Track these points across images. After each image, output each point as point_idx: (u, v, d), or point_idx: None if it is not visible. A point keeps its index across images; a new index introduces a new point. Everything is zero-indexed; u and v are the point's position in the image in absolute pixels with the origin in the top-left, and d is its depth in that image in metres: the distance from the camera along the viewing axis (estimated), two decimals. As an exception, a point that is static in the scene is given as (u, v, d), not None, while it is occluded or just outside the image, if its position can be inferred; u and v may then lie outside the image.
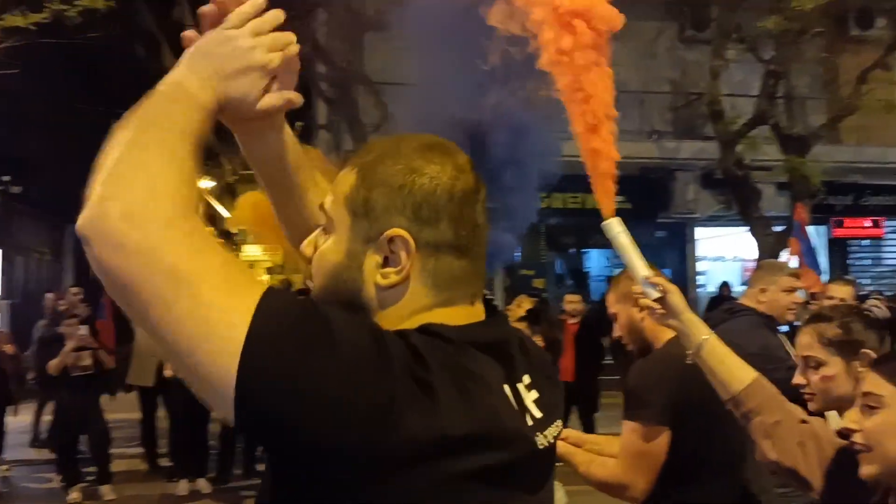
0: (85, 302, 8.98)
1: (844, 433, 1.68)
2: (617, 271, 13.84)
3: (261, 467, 8.20)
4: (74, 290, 9.22)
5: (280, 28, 1.08)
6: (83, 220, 0.88)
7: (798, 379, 2.03)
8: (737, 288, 13.32)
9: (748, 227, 11.87)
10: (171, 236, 0.87)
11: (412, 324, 0.98)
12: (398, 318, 1.00)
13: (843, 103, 12.07)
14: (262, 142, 1.19)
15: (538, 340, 3.87)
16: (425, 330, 0.96)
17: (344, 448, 0.85)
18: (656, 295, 2.06)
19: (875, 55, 11.76)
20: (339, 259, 1.03)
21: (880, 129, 14.15)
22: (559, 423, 1.11)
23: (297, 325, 0.87)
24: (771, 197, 13.06)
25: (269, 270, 32.50)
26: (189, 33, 1.07)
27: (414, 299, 1.01)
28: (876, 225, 15.57)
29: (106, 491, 7.39)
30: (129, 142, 0.92)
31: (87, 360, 7.31)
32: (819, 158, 11.80)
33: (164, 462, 8.40)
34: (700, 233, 15.24)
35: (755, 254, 12.12)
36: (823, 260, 13.93)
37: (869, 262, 16.25)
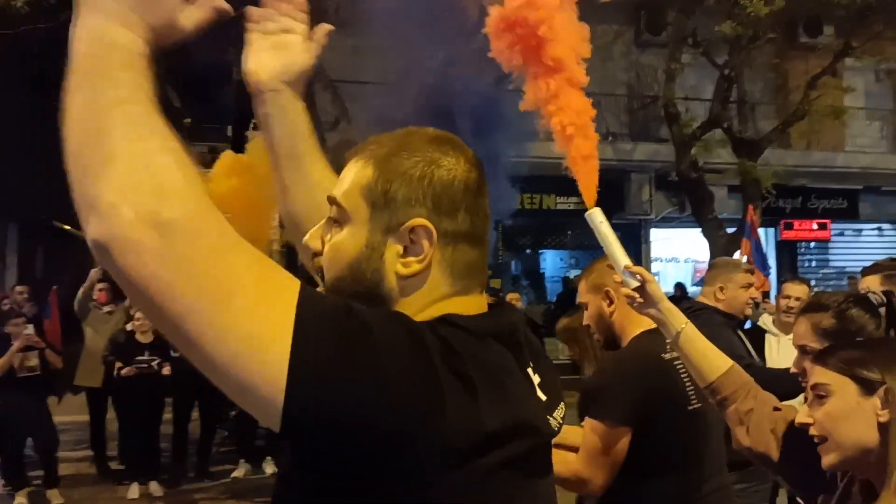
0: (30, 301, 8.75)
1: (802, 428, 1.70)
2: (573, 273, 13.99)
3: (214, 469, 8.10)
4: (20, 288, 9.01)
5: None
6: (98, 230, 0.82)
7: (795, 368, 2.05)
8: (690, 288, 13.53)
9: (701, 229, 12.08)
10: (199, 238, 0.83)
11: (431, 312, 1.00)
12: (418, 306, 1.02)
13: (793, 108, 12.36)
14: (280, 109, 1.30)
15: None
16: (447, 321, 0.97)
17: (401, 448, 0.85)
18: (635, 284, 2.11)
19: (823, 62, 12.07)
20: (357, 250, 1.03)
21: (827, 134, 14.54)
22: (562, 405, 1.15)
23: (339, 328, 0.86)
24: (722, 199, 13.32)
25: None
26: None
27: (433, 288, 1.03)
28: (823, 228, 15.98)
29: (53, 495, 7.17)
30: (109, 132, 0.85)
31: (33, 361, 7.09)
32: (769, 162, 12.07)
33: (114, 465, 8.22)
34: (654, 234, 15.46)
35: (707, 255, 12.33)
36: (772, 261, 14.24)
37: (815, 263, 16.68)
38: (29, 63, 13.61)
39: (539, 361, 1.11)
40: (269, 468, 8.13)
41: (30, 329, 7.08)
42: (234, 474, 8.02)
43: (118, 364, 7.49)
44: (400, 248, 1.02)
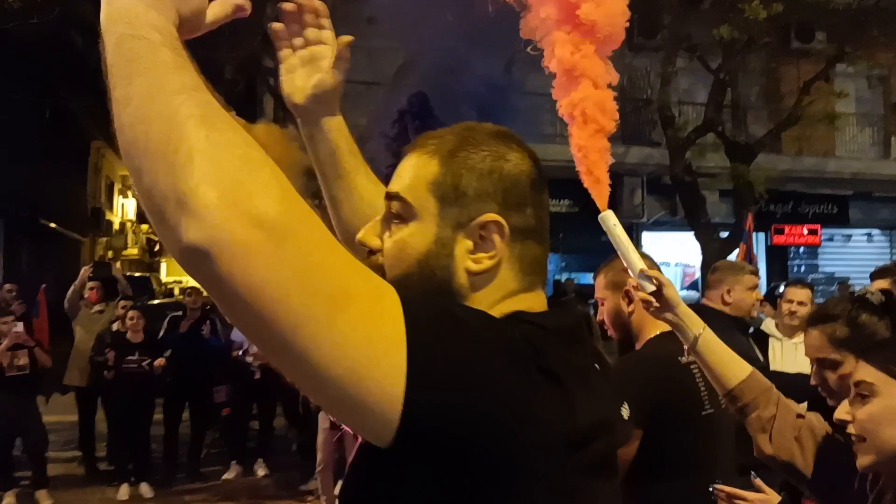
0: (19, 299, 8.64)
1: (839, 425, 1.67)
2: (564, 276, 13.96)
3: (205, 470, 8.01)
4: (8, 286, 8.90)
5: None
6: (198, 233, 0.73)
7: (815, 380, 2.02)
8: (680, 292, 13.54)
9: (694, 233, 12.09)
10: (305, 239, 0.78)
11: (501, 309, 0.98)
12: (486, 303, 1.00)
13: (785, 113, 12.41)
14: (319, 129, 1.34)
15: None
16: (521, 319, 0.95)
17: (512, 452, 0.82)
18: (652, 288, 2.06)
19: (815, 68, 12.11)
20: (426, 246, 1.01)
21: (819, 140, 14.61)
22: (626, 403, 1.12)
23: (448, 332, 0.84)
24: (714, 203, 13.35)
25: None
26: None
27: (502, 285, 1.01)
28: (813, 233, 16.05)
29: (42, 496, 7.06)
30: (185, 123, 0.77)
31: (23, 360, 6.97)
32: (760, 167, 12.10)
33: (103, 466, 8.11)
34: (646, 237, 15.48)
35: (698, 259, 12.33)
36: (762, 266, 14.29)
37: (804, 269, 16.75)
38: (19, 60, 13.49)
39: (599, 358, 1.09)
40: (261, 470, 8.05)
41: (19, 327, 6.98)
42: (226, 476, 7.94)
43: (109, 363, 7.40)
44: (470, 244, 1.00)
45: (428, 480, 0.82)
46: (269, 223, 0.75)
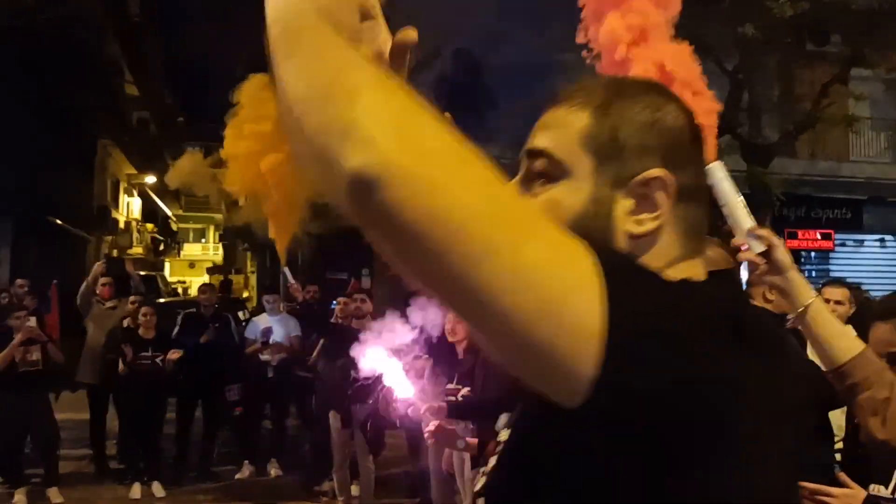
0: (31, 294, 8.55)
1: None
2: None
3: (217, 469, 7.90)
4: (20, 281, 8.83)
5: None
6: (364, 159, 0.66)
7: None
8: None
9: (710, 236, 11.98)
10: (477, 167, 0.70)
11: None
12: None
13: (802, 116, 12.30)
14: None
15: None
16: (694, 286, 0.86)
17: (720, 420, 0.72)
18: (761, 248, 1.89)
19: (830, 70, 12.00)
20: (581, 207, 0.89)
21: (833, 144, 14.50)
22: None
23: (642, 279, 0.76)
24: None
25: (210, 270, 31.92)
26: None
27: (665, 250, 0.89)
28: (827, 238, 15.93)
29: (53, 494, 6.97)
30: (350, 69, 0.72)
31: (35, 355, 6.88)
32: (774, 170, 12.00)
33: (114, 465, 8.01)
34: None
35: (714, 262, 12.20)
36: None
37: (815, 274, 16.62)
38: (26, 58, 13.42)
39: None
40: (274, 470, 7.95)
41: (32, 321, 6.88)
42: (238, 476, 7.84)
43: (121, 360, 7.30)
44: (630, 204, 0.89)
45: (624, 441, 0.71)
46: (441, 151, 0.69)
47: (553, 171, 0.91)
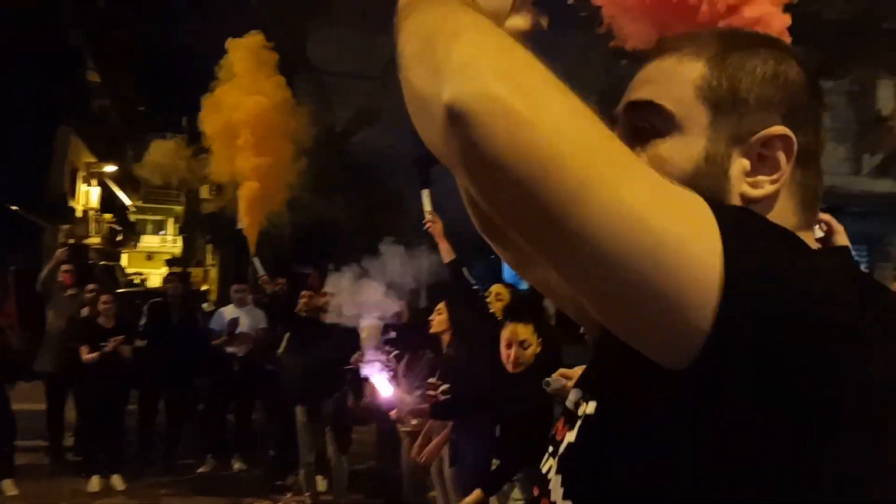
0: (-13, 281, 8.30)
1: None
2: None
3: (179, 462, 7.73)
4: (-22, 267, 8.56)
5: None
6: (459, 90, 0.65)
7: None
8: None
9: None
10: (572, 100, 0.68)
11: None
12: None
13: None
14: None
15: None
16: None
17: (844, 379, 0.65)
18: (819, 234, 1.81)
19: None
20: (693, 164, 0.81)
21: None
22: None
23: (754, 220, 0.71)
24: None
25: (169, 262, 31.38)
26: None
27: (780, 217, 0.79)
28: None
29: (7, 486, 6.75)
30: (457, 20, 0.74)
31: (-8, 342, 6.68)
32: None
33: (71, 457, 7.79)
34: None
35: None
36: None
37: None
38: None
39: None
40: (237, 464, 7.82)
41: (-10, 308, 6.67)
42: (201, 469, 7.69)
43: (81, 349, 7.10)
44: (747, 164, 0.82)
45: (742, 410, 0.64)
46: (537, 84, 0.68)
47: (662, 125, 0.83)
